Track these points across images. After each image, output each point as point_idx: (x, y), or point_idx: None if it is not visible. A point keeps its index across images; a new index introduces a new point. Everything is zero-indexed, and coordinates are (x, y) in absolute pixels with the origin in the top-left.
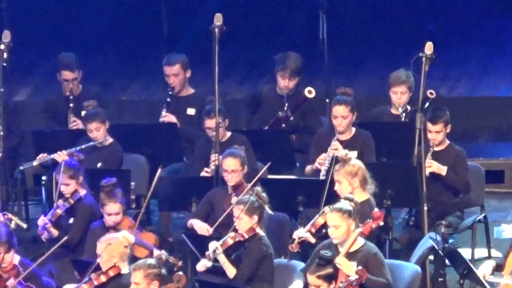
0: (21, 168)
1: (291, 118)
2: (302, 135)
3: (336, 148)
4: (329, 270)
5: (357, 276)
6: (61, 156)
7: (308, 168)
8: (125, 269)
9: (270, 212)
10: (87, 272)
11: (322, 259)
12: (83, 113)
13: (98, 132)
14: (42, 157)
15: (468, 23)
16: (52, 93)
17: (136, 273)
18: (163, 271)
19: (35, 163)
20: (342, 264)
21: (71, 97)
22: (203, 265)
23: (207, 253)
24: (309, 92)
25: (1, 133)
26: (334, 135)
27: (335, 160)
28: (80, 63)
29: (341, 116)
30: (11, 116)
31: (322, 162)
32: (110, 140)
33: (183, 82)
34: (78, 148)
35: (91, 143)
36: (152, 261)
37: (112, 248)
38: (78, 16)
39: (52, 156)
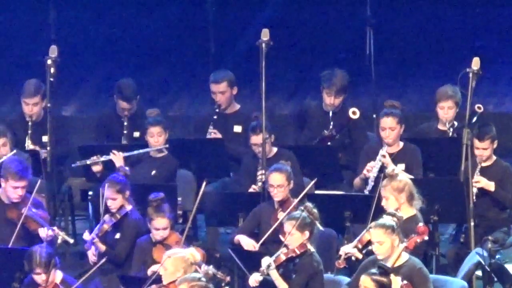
0: (72, 165)
1: (337, 136)
2: (348, 153)
3: (384, 155)
4: (385, 279)
5: None
6: (117, 156)
7: (357, 179)
8: None
9: (320, 228)
10: (147, 282)
11: (382, 268)
12: (136, 134)
13: (160, 138)
14: (96, 157)
15: None
16: (100, 109)
17: (181, 285)
18: (210, 286)
19: (88, 161)
20: None
21: (125, 123)
22: (254, 280)
23: (261, 269)
24: (354, 113)
25: (48, 148)
26: (382, 147)
27: (383, 177)
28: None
29: (389, 128)
30: (58, 131)
31: (370, 169)
32: (166, 152)
33: (229, 99)
34: (136, 152)
35: (148, 149)
36: (198, 275)
37: (178, 262)
38: (125, 32)
39: (107, 157)
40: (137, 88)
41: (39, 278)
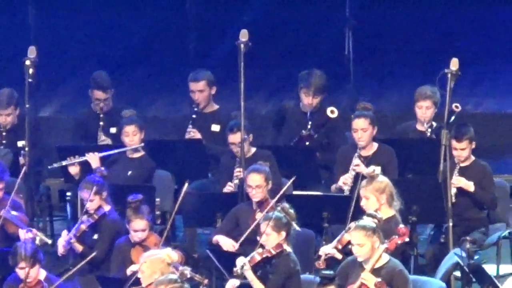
0: (49, 167)
1: (315, 136)
2: (326, 152)
3: (358, 165)
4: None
5: None
6: (92, 157)
7: (333, 187)
8: None
9: (297, 228)
10: (126, 285)
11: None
12: (112, 129)
13: (135, 137)
14: (71, 158)
15: (494, 39)
16: (79, 110)
17: None
18: (186, 286)
19: (64, 163)
20: (367, 279)
21: (101, 116)
22: (232, 285)
23: (234, 269)
24: (332, 112)
25: (26, 148)
26: (356, 151)
27: (361, 177)
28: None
29: (361, 129)
30: (35, 133)
31: (346, 182)
32: (142, 152)
33: (208, 99)
34: (111, 152)
35: (124, 149)
36: (174, 276)
37: (154, 264)
38: (104, 33)
39: (83, 158)
40: (117, 89)
41: (23, 272)
